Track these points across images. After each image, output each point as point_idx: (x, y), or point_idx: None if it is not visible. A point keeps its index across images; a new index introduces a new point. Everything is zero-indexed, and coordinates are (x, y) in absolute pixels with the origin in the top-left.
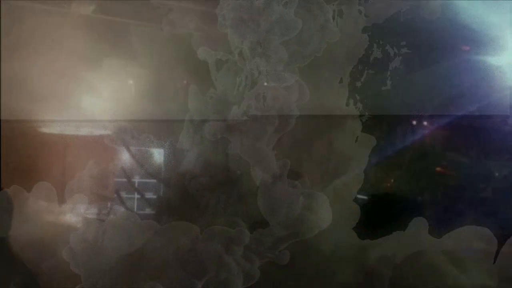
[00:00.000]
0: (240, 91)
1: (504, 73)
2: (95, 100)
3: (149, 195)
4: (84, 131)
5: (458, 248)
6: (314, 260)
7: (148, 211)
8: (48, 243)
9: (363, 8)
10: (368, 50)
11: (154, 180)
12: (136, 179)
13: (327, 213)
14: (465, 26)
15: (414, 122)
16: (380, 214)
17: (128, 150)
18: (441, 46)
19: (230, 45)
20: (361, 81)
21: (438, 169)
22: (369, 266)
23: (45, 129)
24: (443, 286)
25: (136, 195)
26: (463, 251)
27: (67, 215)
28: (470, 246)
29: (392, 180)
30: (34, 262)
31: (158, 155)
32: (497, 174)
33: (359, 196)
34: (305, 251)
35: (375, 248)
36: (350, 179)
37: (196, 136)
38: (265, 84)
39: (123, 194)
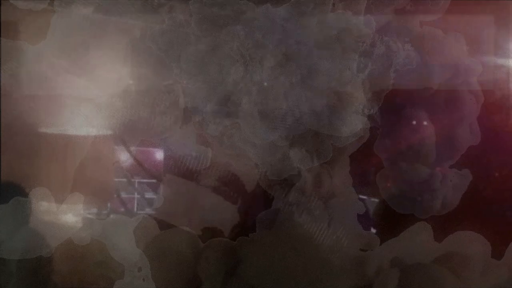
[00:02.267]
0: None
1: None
2: (95, 100)
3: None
4: (83, 131)
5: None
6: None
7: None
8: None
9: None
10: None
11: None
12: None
13: None
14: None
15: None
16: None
17: (128, 150)
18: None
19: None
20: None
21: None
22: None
23: (45, 129)
24: None
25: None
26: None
27: (67, 215)
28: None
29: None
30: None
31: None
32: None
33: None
34: (304, 253)
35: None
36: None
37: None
38: (265, 84)
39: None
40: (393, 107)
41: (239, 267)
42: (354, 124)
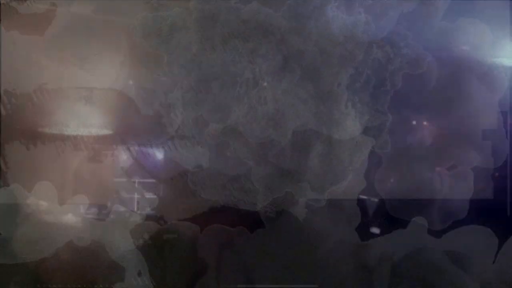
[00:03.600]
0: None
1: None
2: (95, 101)
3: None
4: (83, 131)
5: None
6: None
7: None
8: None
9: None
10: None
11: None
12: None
13: None
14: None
15: (414, 122)
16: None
17: (128, 150)
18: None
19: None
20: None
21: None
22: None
23: (45, 129)
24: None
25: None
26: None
27: (67, 215)
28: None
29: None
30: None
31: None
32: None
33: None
34: (304, 249)
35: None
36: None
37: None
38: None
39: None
40: (395, 107)
41: (237, 256)
42: (353, 129)
